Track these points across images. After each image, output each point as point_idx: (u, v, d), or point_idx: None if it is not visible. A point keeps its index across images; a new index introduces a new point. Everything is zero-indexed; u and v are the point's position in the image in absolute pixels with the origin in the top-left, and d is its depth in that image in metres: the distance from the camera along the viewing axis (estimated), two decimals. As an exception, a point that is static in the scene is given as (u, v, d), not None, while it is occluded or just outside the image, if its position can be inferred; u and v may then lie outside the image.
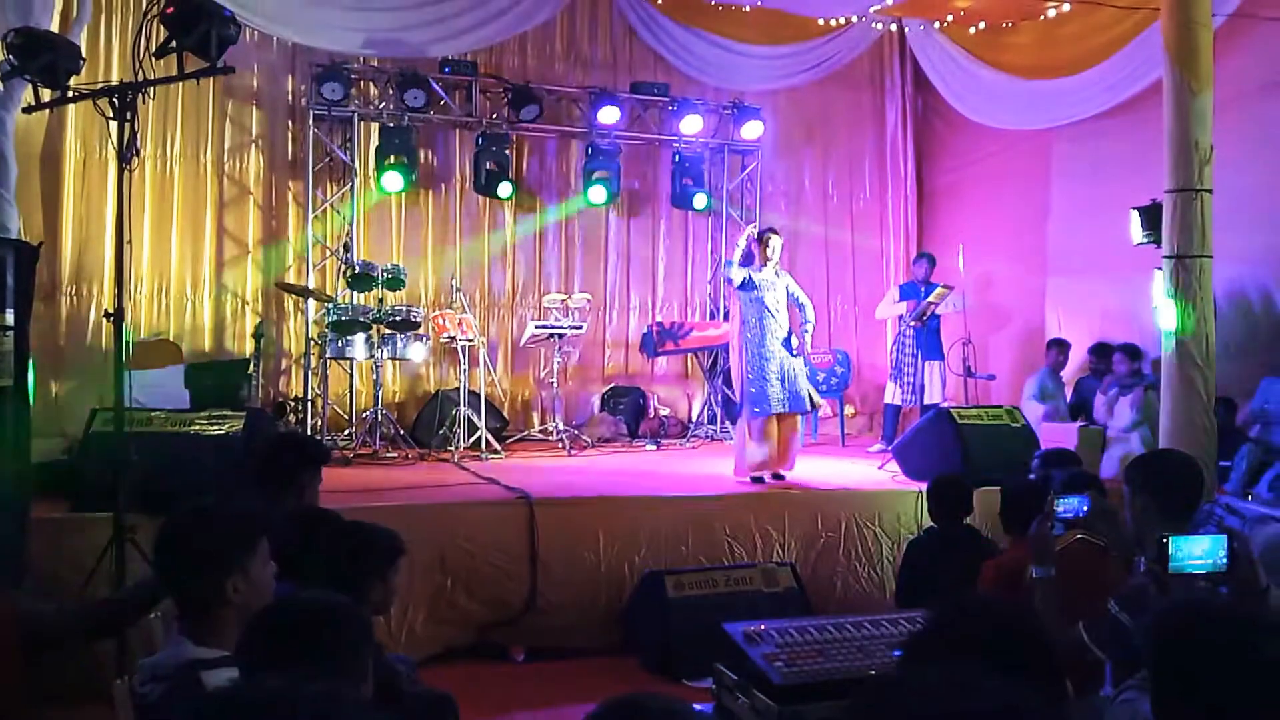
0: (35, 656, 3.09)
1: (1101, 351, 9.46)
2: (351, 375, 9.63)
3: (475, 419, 8.89)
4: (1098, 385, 9.18)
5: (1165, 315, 6.65)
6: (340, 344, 8.75)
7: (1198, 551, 2.77)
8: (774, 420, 7.56)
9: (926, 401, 9.42)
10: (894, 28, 11.27)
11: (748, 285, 7.60)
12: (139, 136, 5.01)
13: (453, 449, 8.75)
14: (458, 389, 9.08)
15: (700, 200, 11.04)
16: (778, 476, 7.64)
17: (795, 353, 7.62)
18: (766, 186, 11.67)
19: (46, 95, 5.32)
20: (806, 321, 7.84)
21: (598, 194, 10.62)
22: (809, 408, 7.84)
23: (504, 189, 10.27)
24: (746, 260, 7.75)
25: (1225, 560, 2.76)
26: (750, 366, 7.58)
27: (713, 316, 11.31)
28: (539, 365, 10.74)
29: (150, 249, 9.57)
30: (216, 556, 2.56)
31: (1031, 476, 5.46)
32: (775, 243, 7.81)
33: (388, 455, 8.68)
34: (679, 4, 10.38)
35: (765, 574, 6.41)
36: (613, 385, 10.95)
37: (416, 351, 9.08)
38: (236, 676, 2.37)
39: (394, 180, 9.83)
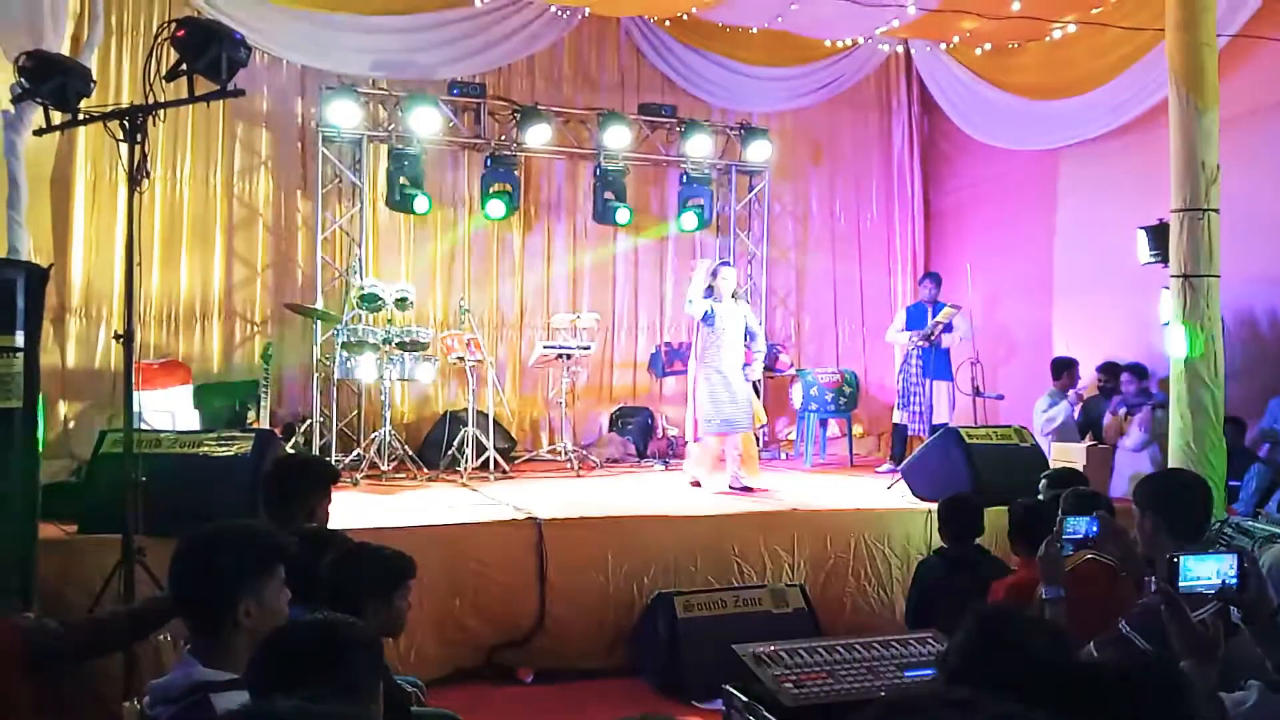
0: (43, 675, 3.09)
1: (1110, 370, 9.45)
2: (360, 396, 9.64)
3: (483, 439, 8.89)
4: (1106, 405, 9.17)
5: (1174, 336, 6.64)
6: (349, 365, 8.77)
7: (1208, 571, 2.76)
8: (726, 438, 8.26)
9: (935, 421, 9.40)
10: (900, 49, 11.31)
11: (709, 318, 8.18)
12: (149, 159, 5.03)
13: (461, 469, 8.74)
14: (466, 409, 9.08)
15: (707, 221, 11.06)
16: (747, 489, 8.11)
17: (747, 378, 8.37)
18: (774, 207, 11.70)
19: (57, 118, 5.35)
20: (757, 351, 8.53)
21: (606, 214, 10.65)
22: (757, 424, 8.71)
23: (513, 209, 10.30)
24: (708, 293, 8.25)
25: (1236, 579, 2.75)
26: (709, 389, 8.19)
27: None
28: (547, 385, 10.75)
29: (160, 270, 9.62)
30: (231, 578, 2.55)
31: (1039, 497, 5.44)
32: (725, 274, 8.38)
33: (396, 476, 8.67)
34: (686, 26, 10.43)
35: (774, 595, 6.39)
36: (621, 405, 10.95)
37: (425, 372, 9.10)
38: (246, 699, 2.37)
39: (422, 203, 9.82)
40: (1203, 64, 6.53)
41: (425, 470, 8.93)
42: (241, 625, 2.52)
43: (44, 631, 3.19)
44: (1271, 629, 2.76)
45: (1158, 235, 8.09)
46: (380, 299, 9.19)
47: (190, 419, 8.40)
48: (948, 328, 9.56)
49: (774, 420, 11.62)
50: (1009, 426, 8.07)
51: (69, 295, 9.23)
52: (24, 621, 3.24)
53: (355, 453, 8.96)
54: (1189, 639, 2.72)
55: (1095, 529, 3.78)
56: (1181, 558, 2.76)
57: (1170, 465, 6.56)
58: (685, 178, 11.10)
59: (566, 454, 9.56)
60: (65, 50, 7.58)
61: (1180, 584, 2.75)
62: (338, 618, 2.41)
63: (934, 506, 6.16)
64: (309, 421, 9.38)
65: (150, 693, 2.53)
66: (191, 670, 2.47)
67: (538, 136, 10.16)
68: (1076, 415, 9.56)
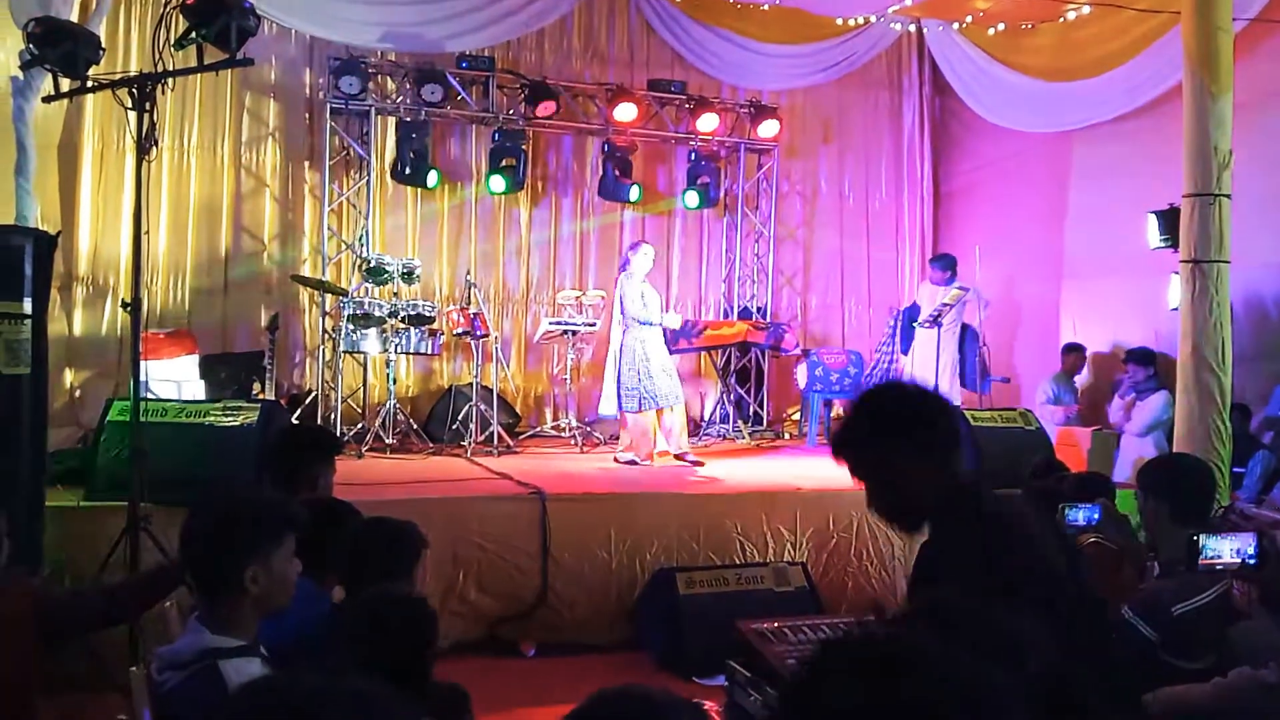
0: (52, 643, 3.10)
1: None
2: (365, 369, 9.64)
3: (488, 414, 8.90)
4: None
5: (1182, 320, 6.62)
6: (354, 337, 8.77)
7: (1227, 549, 2.76)
8: (660, 412, 8.45)
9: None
10: (912, 28, 11.25)
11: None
12: (157, 127, 5.01)
13: (465, 444, 8.76)
14: (471, 384, 9.09)
15: (716, 199, 11.03)
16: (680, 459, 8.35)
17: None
18: (782, 186, 11.65)
19: (66, 85, 5.33)
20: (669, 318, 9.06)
21: (613, 191, 10.61)
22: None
23: (519, 185, 10.28)
24: (624, 264, 8.75)
25: (1255, 558, 2.76)
26: (636, 364, 8.43)
27: (726, 315, 11.30)
28: (552, 361, 10.75)
29: (167, 240, 9.60)
30: (239, 545, 2.53)
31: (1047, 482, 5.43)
32: (645, 251, 8.67)
33: (400, 449, 8.68)
34: (697, 2, 10.38)
35: (777, 573, 6.40)
36: (626, 383, 10.94)
37: (430, 346, 9.10)
38: (258, 670, 2.39)
39: (429, 177, 9.95)
40: (1218, 48, 6.47)
41: (429, 444, 8.94)
42: (249, 593, 2.50)
43: (55, 601, 3.20)
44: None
45: (1168, 220, 8.06)
46: (386, 272, 9.18)
47: (196, 389, 8.40)
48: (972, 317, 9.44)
49: (779, 401, 11.61)
50: (1013, 409, 8.06)
51: (76, 264, 9.23)
52: (36, 590, 3.25)
53: (360, 425, 8.97)
54: None
55: (1097, 516, 3.79)
56: (1202, 535, 2.77)
57: (1176, 450, 6.55)
58: (693, 155, 11.07)
59: (570, 430, 9.57)
60: (74, 17, 7.53)
61: (1200, 562, 2.76)
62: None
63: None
64: (314, 393, 9.39)
65: (157, 659, 2.53)
66: (200, 637, 2.47)
67: (546, 111, 10.13)
68: (1079, 398, 9.55)
